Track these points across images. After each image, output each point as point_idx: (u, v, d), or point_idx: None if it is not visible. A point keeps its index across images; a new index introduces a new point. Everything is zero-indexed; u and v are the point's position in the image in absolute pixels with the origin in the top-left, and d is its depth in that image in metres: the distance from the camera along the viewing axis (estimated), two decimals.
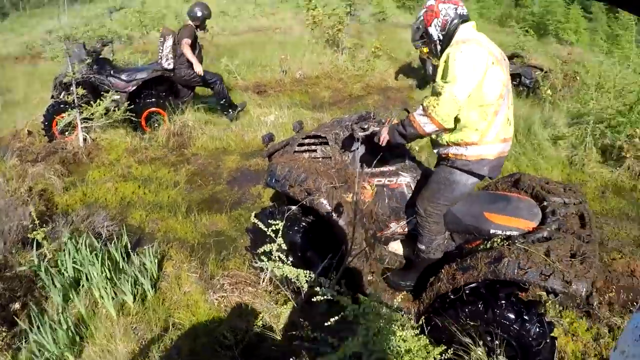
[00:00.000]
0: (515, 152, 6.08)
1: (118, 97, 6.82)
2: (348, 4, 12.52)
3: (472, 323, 2.67)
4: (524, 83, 9.03)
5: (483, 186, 3.64)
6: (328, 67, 10.89)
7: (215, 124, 7.40)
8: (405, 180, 3.29)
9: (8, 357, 3.05)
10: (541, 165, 5.95)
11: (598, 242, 2.96)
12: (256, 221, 3.27)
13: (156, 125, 7.15)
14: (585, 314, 3.48)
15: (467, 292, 2.70)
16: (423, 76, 10.27)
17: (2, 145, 6.73)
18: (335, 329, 2.65)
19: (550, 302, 3.41)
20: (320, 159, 3.38)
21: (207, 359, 3.05)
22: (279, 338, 3.18)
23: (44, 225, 4.10)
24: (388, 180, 3.30)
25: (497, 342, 2.61)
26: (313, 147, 3.42)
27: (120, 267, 3.65)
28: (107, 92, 6.63)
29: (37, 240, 3.72)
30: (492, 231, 2.90)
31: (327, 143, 3.36)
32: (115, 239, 3.97)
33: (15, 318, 3.28)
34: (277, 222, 3.14)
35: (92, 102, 6.51)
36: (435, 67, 9.53)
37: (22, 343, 3.13)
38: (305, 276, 3.07)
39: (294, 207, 3.30)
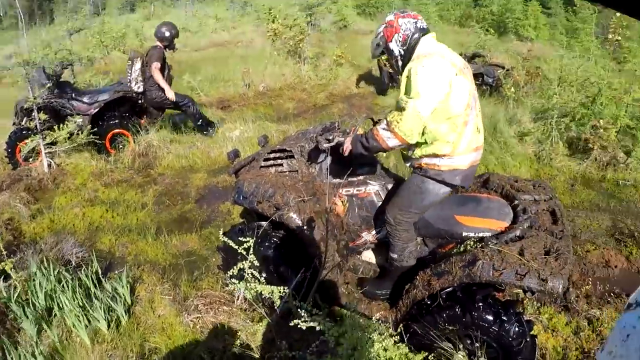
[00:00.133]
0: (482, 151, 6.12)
1: (81, 120, 6.70)
2: (308, 13, 12.56)
3: (451, 327, 2.64)
4: (486, 82, 9.15)
5: None
6: (291, 78, 10.91)
7: (180, 142, 7.29)
8: (374, 189, 3.25)
9: None
10: (509, 163, 6.00)
11: (571, 236, 2.98)
12: (226, 239, 3.20)
13: (121, 146, 7.01)
14: (563, 308, 3.50)
15: (444, 296, 2.67)
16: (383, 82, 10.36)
17: None
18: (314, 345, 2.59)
19: (527, 300, 3.41)
20: (287, 172, 3.33)
21: None
22: (256, 356, 3.11)
23: (12, 255, 4.05)
24: (357, 190, 3.26)
25: (477, 344, 2.59)
26: (279, 162, 3.37)
27: (92, 293, 3.52)
28: (70, 115, 6.51)
29: (5, 271, 3.61)
30: (464, 234, 2.88)
31: (292, 156, 3.31)
32: (85, 265, 3.84)
33: None
34: (248, 239, 3.07)
35: (55, 127, 6.37)
36: (391, 75, 9.63)
37: None
38: (280, 292, 3.00)
39: (264, 223, 3.24)
